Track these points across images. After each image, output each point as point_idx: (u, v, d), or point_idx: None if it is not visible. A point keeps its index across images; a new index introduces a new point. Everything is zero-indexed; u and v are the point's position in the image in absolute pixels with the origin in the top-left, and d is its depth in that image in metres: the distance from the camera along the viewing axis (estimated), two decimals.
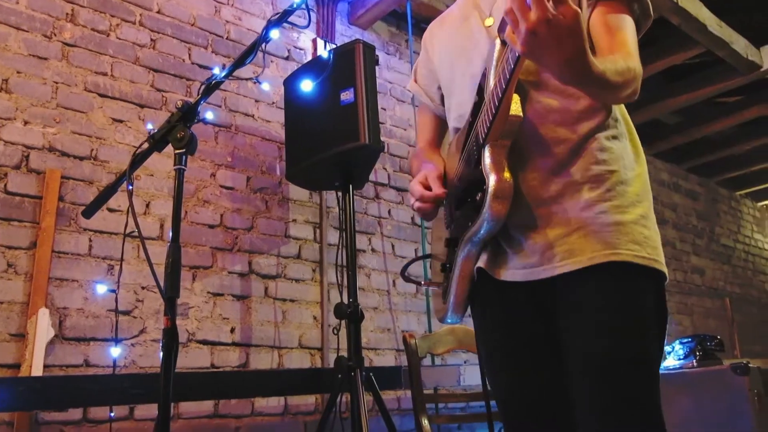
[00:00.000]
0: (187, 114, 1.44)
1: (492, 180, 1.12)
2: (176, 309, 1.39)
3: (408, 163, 1.62)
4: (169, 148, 1.52)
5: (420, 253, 3.48)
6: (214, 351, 2.64)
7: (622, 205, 1.15)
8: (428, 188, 1.34)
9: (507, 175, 1.13)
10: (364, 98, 2.35)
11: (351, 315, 2.43)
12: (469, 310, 1.40)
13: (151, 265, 1.41)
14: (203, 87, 1.47)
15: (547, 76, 1.20)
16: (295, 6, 1.42)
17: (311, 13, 2.81)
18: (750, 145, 5.75)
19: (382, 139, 3.39)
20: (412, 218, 3.53)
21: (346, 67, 2.42)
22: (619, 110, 1.26)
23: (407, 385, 2.61)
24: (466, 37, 1.37)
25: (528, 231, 1.19)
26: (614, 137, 1.21)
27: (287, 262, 2.96)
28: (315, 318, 2.99)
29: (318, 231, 3.11)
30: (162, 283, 1.40)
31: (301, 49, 3.28)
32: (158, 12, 2.81)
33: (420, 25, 3.84)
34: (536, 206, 1.19)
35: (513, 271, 1.21)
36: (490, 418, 1.41)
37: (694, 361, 3.32)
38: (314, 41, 3.22)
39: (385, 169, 3.48)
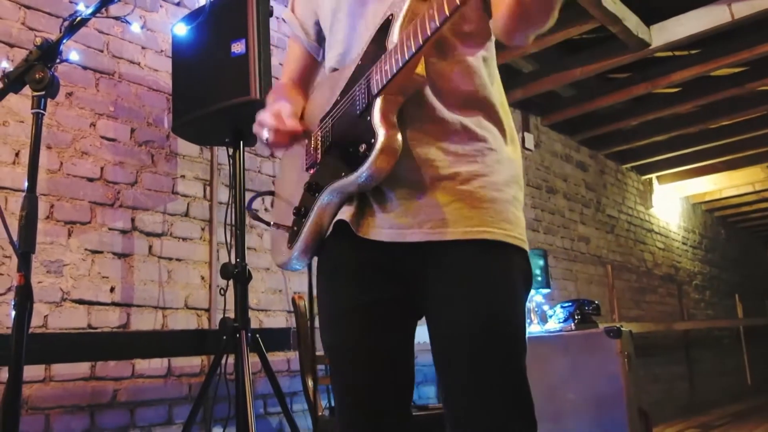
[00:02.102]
0: (47, 53, 1.31)
1: (382, 135, 1.07)
2: (31, 265, 1.28)
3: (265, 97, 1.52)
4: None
5: None
6: (92, 311, 2.50)
7: (497, 182, 1.16)
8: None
9: (397, 132, 1.09)
10: (256, 50, 2.25)
11: (238, 275, 2.37)
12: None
13: (2, 217, 1.29)
14: (66, 24, 1.34)
15: (451, 42, 1.18)
16: None
17: None
18: (637, 120, 6.05)
19: None
20: None
21: (238, 17, 2.30)
22: (501, 98, 1.26)
23: (297, 346, 2.60)
24: None
25: (402, 191, 1.16)
26: (495, 121, 1.22)
27: (174, 220, 2.84)
28: (203, 278, 2.90)
29: (208, 188, 3.00)
30: (16, 237, 1.29)
31: None
32: None
33: None
34: (414, 169, 1.15)
35: (379, 230, 1.17)
36: None
37: (573, 324, 3.50)
38: None
39: None
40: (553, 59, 4.91)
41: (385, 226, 1.16)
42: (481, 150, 1.17)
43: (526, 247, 1.18)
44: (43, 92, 1.31)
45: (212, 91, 2.34)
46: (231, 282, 2.42)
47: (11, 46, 2.43)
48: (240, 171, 2.46)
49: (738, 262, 10.34)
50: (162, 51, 2.90)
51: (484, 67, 1.23)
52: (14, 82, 1.33)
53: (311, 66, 1.47)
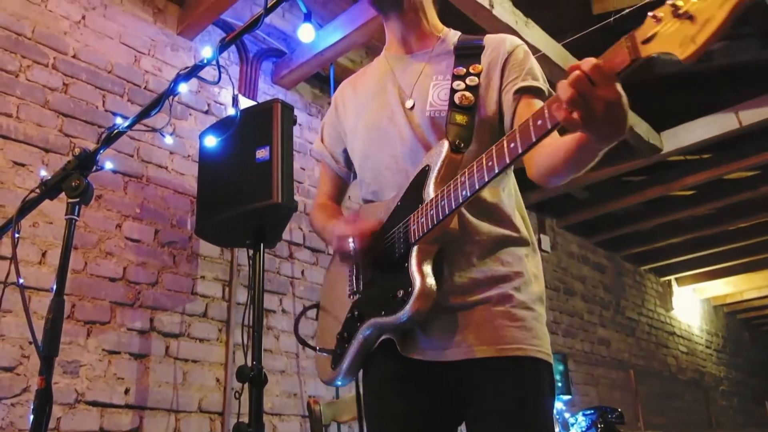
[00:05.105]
0: (84, 162, 1.38)
1: (418, 283, 1.18)
2: (53, 369, 1.29)
3: (310, 216, 1.64)
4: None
5: None
6: (105, 413, 2.46)
7: (526, 302, 1.27)
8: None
9: (432, 280, 1.20)
10: (280, 157, 2.34)
11: (254, 379, 2.34)
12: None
13: (29, 319, 1.31)
14: (104, 135, 1.42)
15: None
16: (205, 61, 1.40)
17: (227, 69, 2.82)
18: (653, 222, 6.07)
19: (299, 198, 3.39)
20: None
21: (264, 125, 2.41)
22: (518, 213, 1.36)
23: None
24: (384, 114, 1.39)
25: (441, 315, 1.25)
26: (517, 241, 1.33)
27: (192, 321, 2.84)
28: (218, 380, 2.86)
29: (227, 289, 3.02)
30: (40, 339, 1.31)
31: (221, 104, 3.26)
32: (74, 57, 2.74)
33: None
34: (450, 294, 1.25)
35: (421, 350, 1.26)
36: None
37: None
38: (235, 97, 3.20)
39: (300, 228, 3.45)
40: None
41: (427, 347, 1.26)
42: (509, 275, 1.27)
43: (550, 359, 1.28)
44: (77, 199, 1.36)
45: (236, 195, 2.41)
46: (246, 385, 2.38)
47: (47, 151, 2.55)
48: (259, 272, 2.49)
49: (765, 366, 10.00)
50: (189, 156, 3.02)
51: (503, 194, 1.33)
52: (51, 189, 1.40)
53: (343, 186, 1.61)
